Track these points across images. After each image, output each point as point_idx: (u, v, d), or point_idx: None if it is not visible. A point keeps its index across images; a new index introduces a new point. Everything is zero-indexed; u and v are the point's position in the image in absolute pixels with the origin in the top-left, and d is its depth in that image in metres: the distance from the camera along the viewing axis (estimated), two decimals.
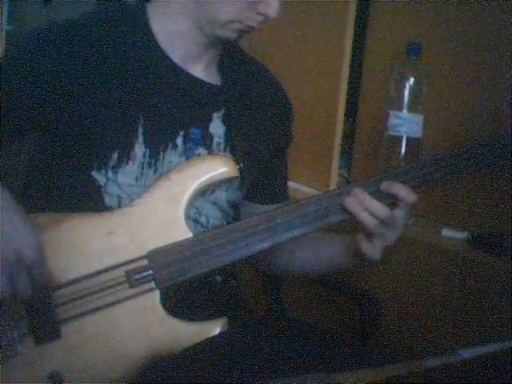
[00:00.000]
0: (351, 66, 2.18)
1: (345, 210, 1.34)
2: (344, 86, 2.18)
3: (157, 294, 1.32)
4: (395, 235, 1.34)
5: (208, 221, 1.42)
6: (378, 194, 1.33)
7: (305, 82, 2.21)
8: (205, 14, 1.36)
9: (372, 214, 1.32)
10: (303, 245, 1.50)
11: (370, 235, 1.34)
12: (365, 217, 1.32)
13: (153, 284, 1.31)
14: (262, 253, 1.36)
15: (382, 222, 1.32)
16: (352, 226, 1.48)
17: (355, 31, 2.16)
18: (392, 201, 1.33)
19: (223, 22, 1.35)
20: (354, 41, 2.17)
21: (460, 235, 1.85)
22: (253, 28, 1.37)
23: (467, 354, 1.01)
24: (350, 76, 2.19)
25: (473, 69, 1.90)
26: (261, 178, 1.52)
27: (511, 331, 1.59)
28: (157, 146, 1.37)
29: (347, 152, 2.22)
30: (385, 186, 1.33)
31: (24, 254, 1.22)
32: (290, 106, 1.58)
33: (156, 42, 1.39)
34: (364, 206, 1.32)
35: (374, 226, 1.32)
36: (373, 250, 1.34)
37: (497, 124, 1.81)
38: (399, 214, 1.32)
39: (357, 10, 2.16)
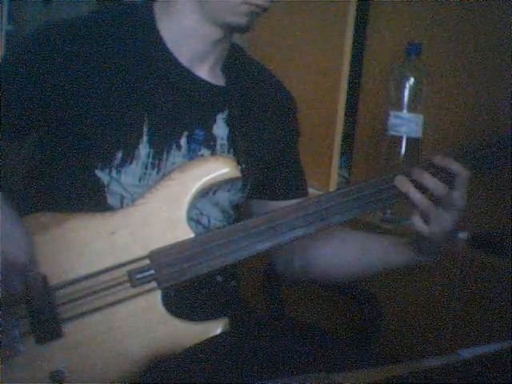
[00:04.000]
0: (351, 66, 2.18)
1: (345, 210, 1.34)
2: (344, 86, 2.18)
3: (158, 294, 1.32)
4: (453, 218, 1.32)
5: (209, 222, 1.42)
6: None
7: (305, 82, 2.21)
8: (213, 2, 1.36)
9: (429, 191, 1.30)
10: (355, 251, 1.48)
11: (424, 215, 1.32)
12: (417, 196, 1.31)
13: (154, 284, 1.31)
14: (262, 253, 1.36)
15: (437, 201, 1.31)
16: (352, 226, 1.48)
17: (355, 31, 2.17)
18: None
19: (233, 6, 1.35)
20: (354, 41, 2.17)
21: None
22: (263, 8, 1.36)
23: (467, 353, 1.01)
24: (349, 76, 2.19)
25: (473, 69, 1.90)
26: (271, 175, 1.52)
27: (511, 331, 1.60)
28: (161, 146, 1.37)
29: (347, 152, 2.23)
30: (437, 160, 1.32)
31: (15, 257, 1.22)
32: (292, 106, 1.57)
33: (162, 42, 1.39)
34: (420, 182, 1.31)
35: (427, 204, 1.31)
36: (428, 229, 1.32)
37: (497, 124, 1.81)
38: (457, 194, 1.31)
39: (357, 10, 2.16)
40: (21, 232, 1.25)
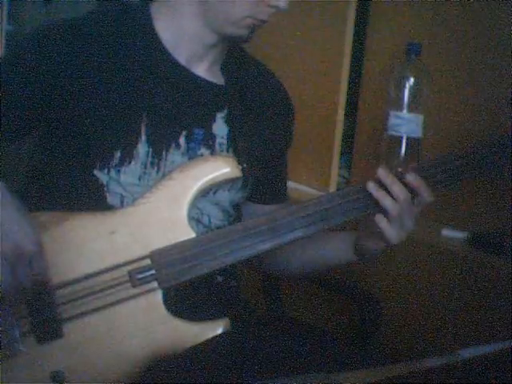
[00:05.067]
0: (351, 66, 2.18)
1: (345, 211, 1.34)
2: (344, 86, 2.18)
3: (159, 294, 1.32)
4: (407, 227, 1.34)
5: (210, 221, 1.42)
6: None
7: (305, 82, 2.21)
8: (216, 13, 1.36)
9: (395, 198, 1.32)
10: (304, 244, 1.50)
11: (390, 218, 1.34)
12: (388, 202, 1.32)
13: (155, 284, 1.32)
14: (263, 254, 1.36)
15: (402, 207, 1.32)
16: (352, 226, 1.48)
17: (355, 31, 2.16)
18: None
19: (236, 20, 1.35)
20: (354, 41, 2.17)
21: (460, 235, 1.86)
22: (264, 22, 1.37)
23: (467, 353, 1.01)
24: (349, 76, 2.19)
25: (473, 69, 1.90)
26: (262, 179, 1.52)
27: (511, 331, 1.60)
28: (160, 145, 1.37)
29: (347, 152, 2.23)
30: (411, 178, 1.34)
31: (24, 246, 1.22)
32: (291, 108, 1.58)
33: (160, 42, 1.40)
34: (389, 187, 1.33)
35: (397, 210, 1.32)
36: (391, 231, 1.34)
37: (497, 124, 1.81)
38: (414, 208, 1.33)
39: (357, 10, 2.16)
40: (28, 221, 1.25)
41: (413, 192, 1.34)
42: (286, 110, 1.57)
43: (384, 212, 1.33)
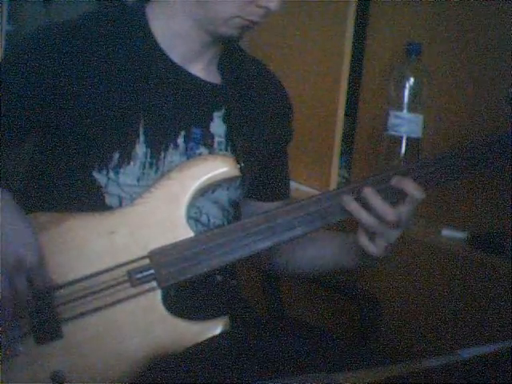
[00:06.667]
0: (351, 66, 2.18)
1: (345, 209, 1.34)
2: (344, 86, 2.18)
3: (158, 294, 1.32)
4: (398, 233, 1.33)
5: (209, 220, 1.42)
6: (382, 192, 1.32)
7: (305, 82, 2.21)
8: (206, 13, 1.36)
9: (374, 214, 1.31)
10: (304, 244, 1.50)
11: (370, 233, 1.33)
12: (363, 216, 1.31)
13: (154, 283, 1.32)
14: (262, 252, 1.36)
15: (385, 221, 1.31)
16: (352, 225, 1.48)
17: (355, 31, 2.16)
18: (395, 199, 1.32)
19: (225, 19, 1.35)
20: (354, 41, 2.17)
21: (460, 235, 1.85)
22: (255, 23, 1.37)
23: (467, 353, 1.01)
24: (349, 76, 2.19)
25: (473, 69, 1.90)
26: (262, 176, 1.53)
27: (511, 331, 1.59)
28: (158, 145, 1.37)
29: (347, 152, 2.23)
30: (395, 181, 1.32)
31: (24, 256, 1.22)
32: (290, 104, 1.59)
33: (155, 42, 1.40)
34: (368, 204, 1.31)
35: (374, 225, 1.32)
36: (374, 247, 1.33)
37: (497, 124, 1.81)
38: (404, 210, 1.31)
39: (357, 10, 2.16)
40: (30, 231, 1.25)
41: (401, 193, 1.32)
42: (285, 108, 1.57)
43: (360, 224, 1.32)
